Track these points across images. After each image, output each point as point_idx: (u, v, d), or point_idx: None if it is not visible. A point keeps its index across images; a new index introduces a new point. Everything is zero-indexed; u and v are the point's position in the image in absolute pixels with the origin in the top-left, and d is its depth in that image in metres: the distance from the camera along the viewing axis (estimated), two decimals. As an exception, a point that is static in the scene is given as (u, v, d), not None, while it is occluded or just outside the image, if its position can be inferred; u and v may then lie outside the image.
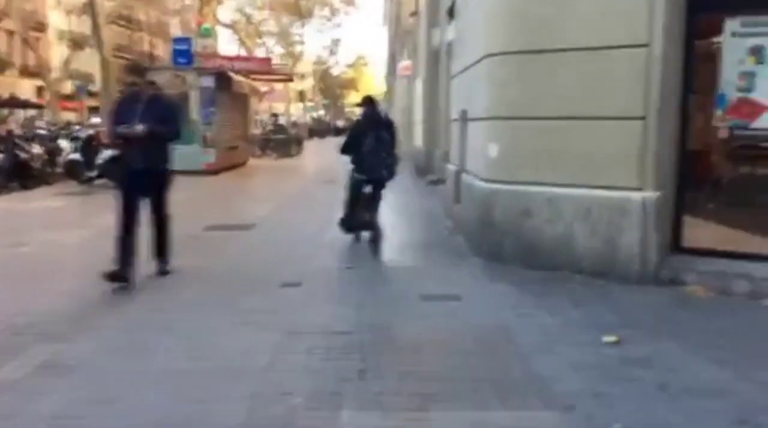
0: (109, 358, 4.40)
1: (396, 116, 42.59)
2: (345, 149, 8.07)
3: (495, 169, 7.11)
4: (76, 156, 14.57)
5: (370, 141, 7.69)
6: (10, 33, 44.92)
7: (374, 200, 8.03)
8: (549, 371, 4.17)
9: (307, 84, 64.40)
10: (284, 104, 48.94)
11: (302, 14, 49.17)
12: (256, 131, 28.93)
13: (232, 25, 36.56)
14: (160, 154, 6.50)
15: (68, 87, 43.91)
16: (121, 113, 6.43)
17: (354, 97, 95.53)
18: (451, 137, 10.55)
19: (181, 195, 14.10)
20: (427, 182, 15.37)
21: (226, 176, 17.35)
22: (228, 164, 18.33)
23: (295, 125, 43.92)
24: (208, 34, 18.85)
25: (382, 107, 10.11)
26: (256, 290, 6.03)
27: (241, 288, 6.11)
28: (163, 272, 6.69)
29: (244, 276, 6.61)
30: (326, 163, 23.57)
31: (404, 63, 24.76)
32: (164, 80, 17.18)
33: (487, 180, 7.19)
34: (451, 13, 12.33)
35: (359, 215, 8.01)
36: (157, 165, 6.48)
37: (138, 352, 4.52)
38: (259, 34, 45.07)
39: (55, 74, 40.26)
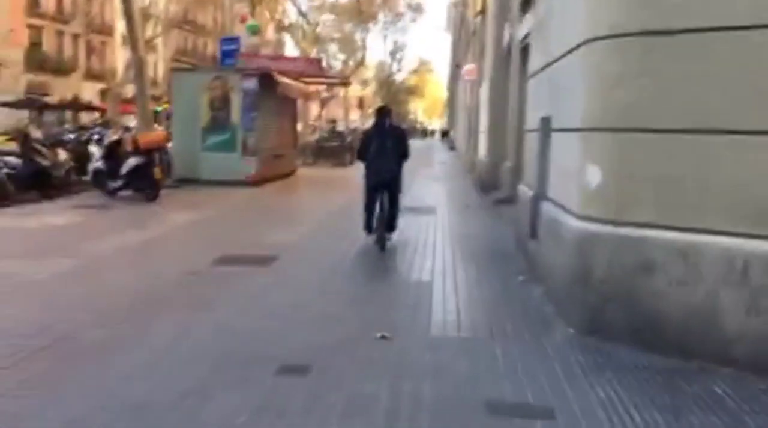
0: None
1: (458, 124, 40.51)
2: (358, 155, 8.80)
3: (596, 202, 4.90)
4: (100, 164, 12.96)
5: (375, 147, 8.29)
6: (76, 36, 44.81)
7: (390, 202, 8.49)
8: None
9: (369, 90, 62.81)
10: (342, 111, 47.34)
11: (365, 19, 47.48)
12: (312, 137, 27.22)
13: (287, 28, 34.99)
14: None
15: (130, 91, 43.33)
16: None
17: (418, 104, 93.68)
18: (526, 151, 8.35)
19: (208, 211, 11.93)
20: (492, 200, 13.16)
21: (268, 188, 15.51)
22: (272, 175, 16.52)
23: (354, 131, 42.18)
24: (255, 31, 17.10)
25: (396, 118, 11.53)
26: (238, 383, 3.99)
27: (214, 375, 4.09)
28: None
29: (226, 352, 4.58)
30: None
31: (468, 67, 22.59)
32: (204, 82, 15.57)
33: (583, 217, 4.99)
34: (525, 5, 10.16)
35: (378, 217, 8.42)
36: None
37: None
38: (318, 39, 43.47)
39: (117, 78, 39.66)
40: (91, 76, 45.54)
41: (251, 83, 15.39)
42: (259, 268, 7.06)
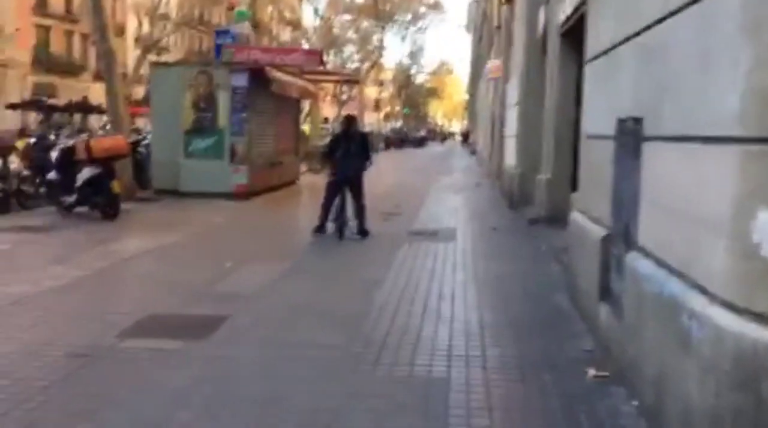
0: None
1: (480, 128, 37.82)
2: (325, 156, 9.97)
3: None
4: (53, 175, 10.63)
5: (342, 151, 9.11)
6: (85, 36, 42.83)
7: (355, 198, 9.16)
8: None
9: (387, 92, 60.46)
10: (357, 112, 44.89)
11: (382, 18, 45.08)
12: (322, 141, 24.77)
13: (295, 24, 32.61)
14: None
15: (140, 92, 41.31)
16: None
17: (437, 106, 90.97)
18: (585, 164, 5.83)
19: (173, 236, 8.88)
20: (526, 220, 10.63)
21: (259, 202, 13.09)
22: (266, 185, 14.11)
23: (370, 134, 39.73)
24: (245, 18, 14.70)
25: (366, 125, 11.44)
26: None
27: None
28: None
29: None
30: (397, 179, 19.11)
31: (493, 63, 20.04)
32: (186, 79, 13.23)
33: (746, 313, 2.49)
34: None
35: (338, 214, 9.03)
36: None
37: None
38: (333, 40, 41.10)
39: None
40: (102, 77, 43.51)
41: (241, 79, 12.99)
42: (189, 344, 4.59)
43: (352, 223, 9.10)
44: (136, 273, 6.99)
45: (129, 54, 44.56)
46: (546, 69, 10.94)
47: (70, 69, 41.37)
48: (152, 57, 38.59)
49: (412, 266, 7.28)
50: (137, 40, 44.27)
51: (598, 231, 4.74)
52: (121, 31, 45.29)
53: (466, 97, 61.27)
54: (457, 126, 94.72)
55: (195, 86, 13.18)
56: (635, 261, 3.82)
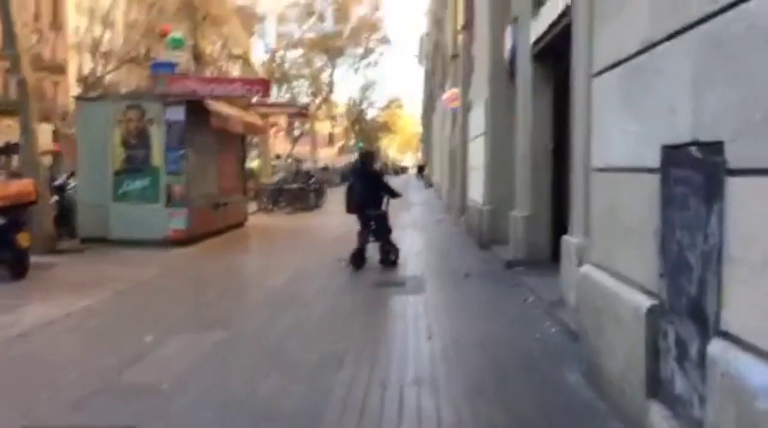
0: None
1: (435, 161, 36.81)
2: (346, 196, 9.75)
3: None
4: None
5: (357, 190, 9.51)
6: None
7: (379, 231, 9.36)
8: None
9: (340, 127, 59.42)
10: (309, 148, 43.77)
11: (332, 54, 44.06)
12: (271, 179, 23.31)
13: (242, 57, 31.10)
14: None
15: (82, 132, 39.16)
16: None
17: (391, 140, 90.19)
18: (599, 206, 4.53)
19: (88, 299, 6.98)
20: (501, 262, 9.35)
21: (201, 249, 11.51)
22: (209, 229, 12.56)
23: (325, 170, 38.38)
24: (180, 45, 13.23)
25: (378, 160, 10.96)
26: None
27: None
28: None
29: None
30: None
31: (449, 92, 19.01)
32: (115, 113, 11.70)
33: None
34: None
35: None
36: None
37: None
38: (285, 75, 39.80)
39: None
40: (44, 116, 41.22)
41: (176, 113, 11.50)
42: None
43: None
44: (25, 357, 5.37)
45: (71, 92, 42.43)
46: (516, 94, 9.79)
47: (8, 109, 39.03)
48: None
49: (380, 332, 5.89)
50: (80, 79, 42.19)
51: (639, 300, 3.41)
52: (61, 69, 43.28)
53: (420, 129, 60.65)
54: (410, 159, 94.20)
55: (125, 122, 11.64)
56: (727, 357, 2.49)
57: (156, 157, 11.57)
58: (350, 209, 9.59)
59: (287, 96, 41.94)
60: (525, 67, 9.17)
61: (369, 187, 9.39)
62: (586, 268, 4.53)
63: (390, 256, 9.32)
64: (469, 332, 5.85)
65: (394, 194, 9.69)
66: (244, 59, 32.54)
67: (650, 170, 3.32)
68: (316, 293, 7.63)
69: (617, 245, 3.95)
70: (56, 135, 38.60)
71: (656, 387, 3.19)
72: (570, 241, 6.17)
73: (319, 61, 44.42)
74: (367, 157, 9.89)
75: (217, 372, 4.77)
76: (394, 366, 4.86)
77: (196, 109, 11.78)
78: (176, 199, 11.55)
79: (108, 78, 38.55)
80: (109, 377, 4.63)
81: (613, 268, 3.97)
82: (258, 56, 42.40)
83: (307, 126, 44.12)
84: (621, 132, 3.90)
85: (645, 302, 3.33)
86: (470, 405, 4.07)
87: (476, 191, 12.84)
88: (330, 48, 42.88)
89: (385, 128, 68.51)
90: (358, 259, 9.13)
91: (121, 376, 4.67)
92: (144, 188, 11.58)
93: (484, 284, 8.29)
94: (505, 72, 11.00)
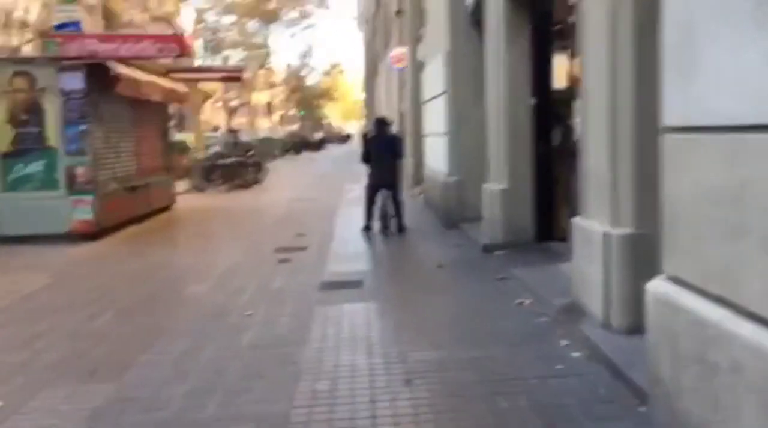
0: None
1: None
2: (363, 159, 9.63)
3: None
4: None
5: (375, 154, 9.42)
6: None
7: (393, 201, 9.35)
8: None
9: (279, 96, 56.74)
10: (247, 118, 41.29)
11: (268, 18, 41.38)
12: (206, 153, 21.09)
13: (169, 22, 28.35)
14: None
15: None
16: None
17: (332, 108, 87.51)
18: (681, 186, 2.87)
19: None
20: (477, 246, 7.72)
21: (110, 244, 9.48)
22: (125, 217, 10.56)
23: (267, 141, 36.07)
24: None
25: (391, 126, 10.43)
26: None
27: None
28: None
29: None
30: (298, 193, 15.78)
31: (396, 51, 17.16)
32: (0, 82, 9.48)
33: None
34: None
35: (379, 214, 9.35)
36: None
37: None
38: (219, 44, 37.07)
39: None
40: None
41: (74, 80, 9.35)
42: None
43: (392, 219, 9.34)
44: None
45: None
46: (483, 46, 8.08)
47: None
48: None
49: (329, 372, 4.14)
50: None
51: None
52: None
53: (363, 96, 58.46)
54: (354, 127, 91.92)
55: (11, 93, 9.45)
56: None
57: (52, 135, 9.45)
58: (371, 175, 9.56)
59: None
60: (497, 13, 7.45)
61: (387, 152, 9.37)
62: (664, 286, 2.87)
63: (402, 222, 9.40)
64: (462, 371, 4.15)
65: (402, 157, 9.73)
66: (168, 23, 29.65)
67: None
68: (248, 303, 5.84)
69: (723, 254, 2.31)
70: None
71: None
72: (594, 229, 4.54)
73: (253, 27, 41.75)
74: (383, 123, 9.80)
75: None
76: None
77: (101, 74, 9.64)
78: (80, 184, 9.48)
79: (23, 50, 35.10)
80: None
81: (718, 290, 2.33)
82: (188, 23, 39.44)
83: (245, 96, 41.53)
84: (721, 76, 2.22)
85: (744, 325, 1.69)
86: None
87: (436, 160, 11.15)
88: (264, 12, 40.26)
89: (327, 95, 65.98)
90: (384, 225, 9.34)
91: None
92: (39, 173, 9.47)
93: (462, 278, 6.62)
94: (467, 22, 9.28)
